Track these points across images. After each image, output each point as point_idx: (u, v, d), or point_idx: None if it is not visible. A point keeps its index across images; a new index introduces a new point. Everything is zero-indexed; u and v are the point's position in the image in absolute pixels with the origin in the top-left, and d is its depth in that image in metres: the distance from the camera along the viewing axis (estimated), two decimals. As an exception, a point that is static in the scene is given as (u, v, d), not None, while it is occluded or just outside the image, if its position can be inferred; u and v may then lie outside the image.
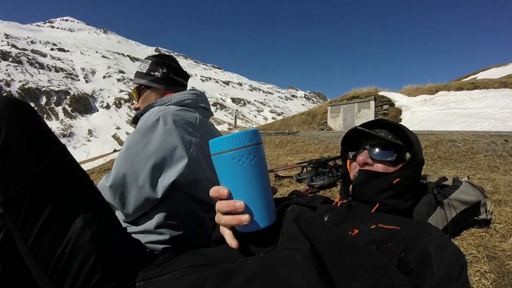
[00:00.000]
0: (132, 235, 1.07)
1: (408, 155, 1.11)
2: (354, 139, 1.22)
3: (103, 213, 0.89)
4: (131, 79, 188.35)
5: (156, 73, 1.53)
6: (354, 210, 1.07)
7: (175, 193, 1.20)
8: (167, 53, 1.69)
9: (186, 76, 1.61)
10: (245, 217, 0.66)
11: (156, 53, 1.67)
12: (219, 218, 0.71)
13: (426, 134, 6.18)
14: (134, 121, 1.45)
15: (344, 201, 1.15)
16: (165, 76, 1.53)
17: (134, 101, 1.62)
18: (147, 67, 1.54)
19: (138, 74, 1.56)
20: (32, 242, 0.76)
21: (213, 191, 0.70)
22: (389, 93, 17.87)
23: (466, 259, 1.32)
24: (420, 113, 14.25)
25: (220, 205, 0.69)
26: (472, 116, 11.47)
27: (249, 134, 0.68)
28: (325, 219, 0.95)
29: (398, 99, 16.77)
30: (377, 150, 1.12)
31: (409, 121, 13.88)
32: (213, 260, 0.74)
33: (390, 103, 16.89)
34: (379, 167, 1.11)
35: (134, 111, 1.54)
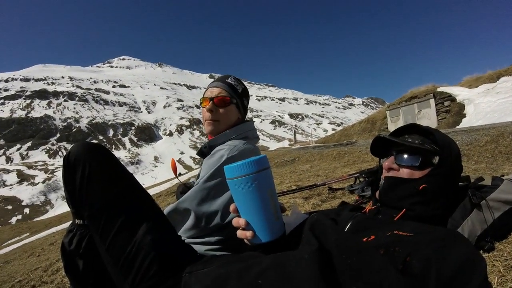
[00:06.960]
0: (194, 244, 1.28)
1: (437, 160, 1.12)
2: (387, 147, 1.28)
3: (161, 223, 1.15)
4: (190, 107, 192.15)
5: (246, 102, 1.61)
6: (377, 218, 1.13)
7: None
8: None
9: None
10: (248, 233, 0.86)
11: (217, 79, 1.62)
12: None
13: (487, 128, 5.69)
14: (200, 154, 1.56)
15: (373, 207, 1.21)
16: (247, 109, 1.64)
17: (207, 106, 1.50)
18: (241, 89, 1.57)
19: (232, 88, 1.54)
20: (108, 244, 1.04)
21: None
22: (449, 88, 16.64)
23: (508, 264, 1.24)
24: (484, 104, 13.00)
25: (233, 221, 0.91)
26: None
27: (247, 165, 0.82)
28: (348, 225, 1.04)
29: (459, 93, 15.51)
30: (402, 155, 1.18)
31: (473, 115, 12.77)
32: (243, 259, 0.93)
33: (451, 98, 15.71)
34: (404, 172, 1.15)
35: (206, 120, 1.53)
